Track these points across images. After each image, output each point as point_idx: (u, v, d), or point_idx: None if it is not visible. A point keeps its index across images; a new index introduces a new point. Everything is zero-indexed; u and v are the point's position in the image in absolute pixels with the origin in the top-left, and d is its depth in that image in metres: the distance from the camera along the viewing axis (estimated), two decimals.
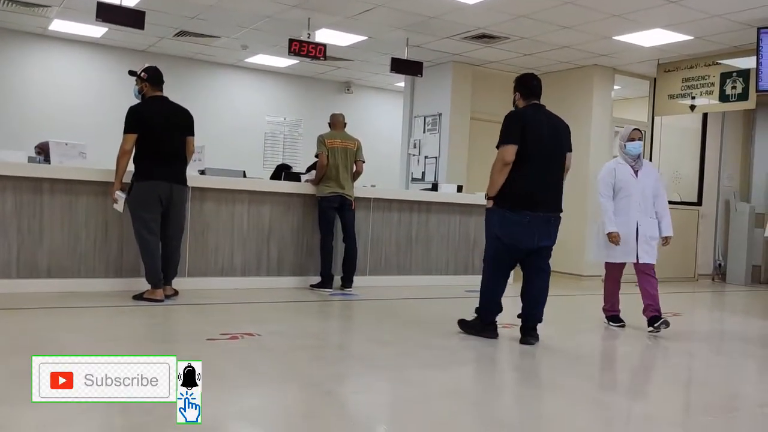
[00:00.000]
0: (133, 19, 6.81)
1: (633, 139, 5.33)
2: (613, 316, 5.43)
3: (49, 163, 5.49)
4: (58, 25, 8.86)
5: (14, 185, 5.27)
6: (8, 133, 8.79)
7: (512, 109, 4.59)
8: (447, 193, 7.60)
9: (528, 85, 4.58)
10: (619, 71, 9.32)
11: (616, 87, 9.43)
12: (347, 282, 6.45)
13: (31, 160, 5.76)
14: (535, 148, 4.32)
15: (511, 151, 4.27)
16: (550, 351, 4.45)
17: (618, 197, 5.26)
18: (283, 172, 7.40)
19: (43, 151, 5.79)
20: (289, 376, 3.47)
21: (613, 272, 5.40)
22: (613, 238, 5.14)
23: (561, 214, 4.51)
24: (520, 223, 4.31)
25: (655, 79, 9.12)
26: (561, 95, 9.70)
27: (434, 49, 8.82)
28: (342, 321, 5.46)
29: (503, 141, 4.33)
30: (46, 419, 2.59)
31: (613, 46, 8.10)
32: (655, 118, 9.44)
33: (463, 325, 4.67)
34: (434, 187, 8.21)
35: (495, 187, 4.36)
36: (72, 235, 5.50)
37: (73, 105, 9.65)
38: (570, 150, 4.58)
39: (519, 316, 4.55)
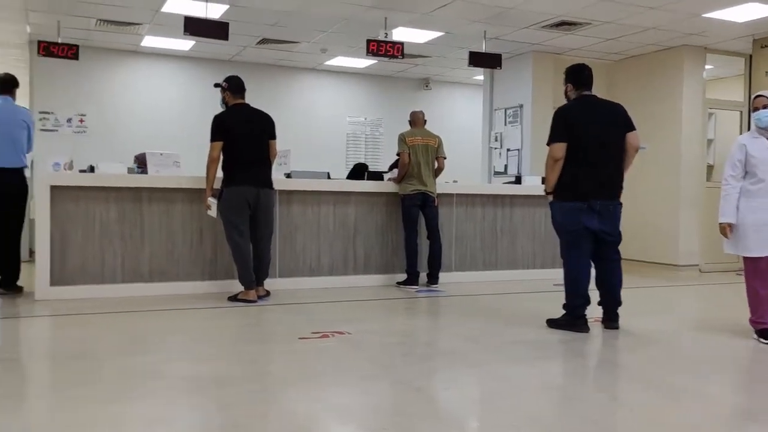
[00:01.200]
0: (218, 30, 7.07)
1: (757, 108, 4.38)
2: (764, 330, 4.33)
3: (147, 174, 5.80)
4: (150, 41, 9.31)
5: (117, 195, 5.59)
6: (109, 147, 9.32)
7: (565, 100, 4.70)
8: (531, 185, 7.48)
9: (579, 75, 4.63)
10: (711, 50, 8.86)
11: (708, 67, 8.97)
12: (433, 278, 6.47)
13: (130, 171, 6.10)
14: (585, 141, 4.41)
15: (558, 148, 4.43)
16: (645, 344, 4.31)
17: (753, 176, 4.32)
18: (364, 171, 7.50)
19: (140, 162, 6.12)
20: (380, 374, 3.53)
21: (756, 269, 4.34)
22: (723, 230, 4.40)
23: (620, 202, 4.55)
24: (579, 209, 4.41)
25: (750, 56, 8.63)
26: (648, 79, 9.34)
27: (513, 40, 8.69)
28: (429, 318, 5.48)
29: (551, 139, 4.49)
30: (151, 415, 2.76)
31: (703, 24, 7.71)
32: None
33: (552, 323, 4.62)
34: (518, 180, 8.10)
35: (550, 183, 4.54)
36: (169, 240, 5.78)
37: (166, 116, 10.12)
38: (631, 129, 4.54)
39: (599, 303, 4.63)
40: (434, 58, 10.12)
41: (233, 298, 5.44)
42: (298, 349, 3.96)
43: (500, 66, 8.52)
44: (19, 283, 5.65)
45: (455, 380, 3.49)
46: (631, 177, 4.68)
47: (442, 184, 6.82)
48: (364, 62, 10.40)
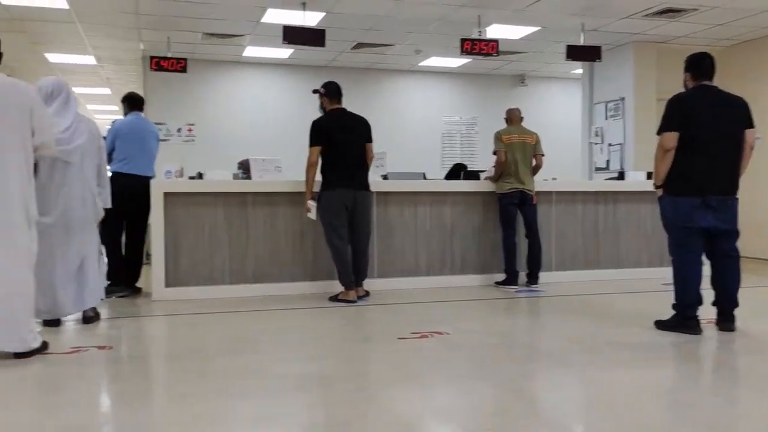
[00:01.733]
0: (315, 38, 7.28)
1: None
2: None
3: (251, 179, 6.04)
4: (251, 51, 9.70)
5: (224, 201, 5.86)
6: (215, 154, 9.78)
7: (682, 89, 4.43)
8: (635, 180, 7.20)
9: (699, 64, 4.37)
10: None
11: None
12: (533, 278, 6.35)
13: (235, 176, 6.38)
14: (702, 132, 4.16)
15: (669, 138, 4.19)
16: (764, 348, 4.05)
17: None
18: (460, 171, 7.46)
19: (244, 168, 6.38)
20: (480, 374, 3.51)
21: None
22: None
23: (736, 197, 4.27)
24: (692, 205, 4.17)
25: None
26: (763, 65, 8.77)
27: (612, 30, 8.40)
28: (529, 318, 5.39)
29: (663, 128, 4.25)
30: (257, 412, 2.87)
31: None
32: None
33: (661, 324, 4.42)
34: (620, 176, 7.81)
35: (659, 175, 4.31)
36: (273, 243, 5.99)
37: (267, 123, 10.50)
38: (750, 126, 4.28)
39: (713, 303, 4.36)
40: (530, 53, 9.94)
41: (334, 299, 5.57)
42: (398, 349, 4.01)
43: (599, 58, 8.27)
44: (138, 284, 6.03)
45: (558, 382, 3.42)
46: (748, 168, 4.40)
47: (541, 182, 6.68)
48: (458, 61, 10.36)
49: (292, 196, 5.93)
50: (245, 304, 5.48)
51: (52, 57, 9.82)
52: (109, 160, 5.69)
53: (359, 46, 9.35)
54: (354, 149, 5.55)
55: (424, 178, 6.91)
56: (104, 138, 5.27)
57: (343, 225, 5.50)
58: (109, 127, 6.11)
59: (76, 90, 12.03)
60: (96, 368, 3.70)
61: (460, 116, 11.54)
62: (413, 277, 6.36)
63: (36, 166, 4.30)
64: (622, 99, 9.22)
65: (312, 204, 5.57)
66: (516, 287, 6.26)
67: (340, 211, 5.47)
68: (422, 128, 11.24)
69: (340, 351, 4.07)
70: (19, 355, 3.64)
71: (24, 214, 3.66)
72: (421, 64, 10.66)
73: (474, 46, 7.66)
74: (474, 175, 7.07)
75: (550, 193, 6.77)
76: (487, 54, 7.75)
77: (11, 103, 3.63)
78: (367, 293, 5.70)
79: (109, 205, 4.83)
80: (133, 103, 6.20)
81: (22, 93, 3.72)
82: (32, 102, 3.75)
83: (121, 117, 6.28)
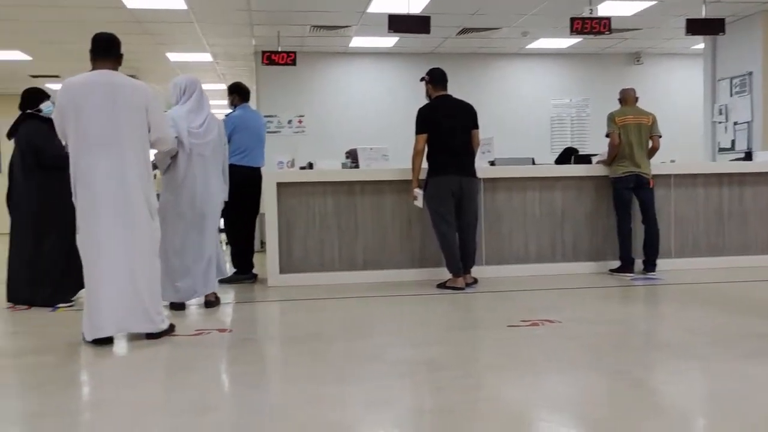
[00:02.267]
0: (420, 25, 7.26)
1: None
2: None
3: (358, 168, 6.14)
4: (357, 42, 9.83)
5: (333, 190, 6.01)
6: (324, 144, 10.01)
7: None
8: (765, 161, 6.70)
9: None
10: None
11: None
12: (649, 265, 6.07)
13: (343, 166, 6.51)
14: None
15: None
16: None
17: None
18: (571, 155, 7.24)
19: (352, 157, 6.50)
20: (594, 364, 3.41)
21: None
22: None
23: None
24: None
25: None
26: None
27: (737, 1, 7.82)
28: (646, 307, 5.16)
29: None
30: (371, 396, 2.94)
31: None
32: None
33: None
34: (748, 156, 7.30)
35: None
36: (381, 231, 6.08)
37: (374, 112, 10.62)
38: None
39: None
40: (645, 30, 9.45)
41: (442, 285, 5.58)
42: (508, 337, 3.96)
43: (723, 31, 7.73)
44: (255, 271, 6.30)
45: (679, 374, 3.25)
46: None
47: (658, 165, 6.37)
48: (567, 41, 10.02)
49: (399, 184, 5.98)
50: (355, 291, 5.60)
51: (173, 56, 10.39)
52: None
53: (465, 31, 9.25)
54: (460, 136, 5.51)
55: (533, 163, 6.76)
56: None
57: (449, 212, 5.49)
58: (224, 120, 6.29)
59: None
60: (217, 350, 3.91)
61: (570, 98, 11.17)
62: (522, 264, 6.25)
63: (174, 158, 4.66)
64: (750, 74, 8.59)
65: (418, 192, 5.59)
66: (632, 275, 6.02)
67: (447, 198, 5.46)
68: (530, 112, 10.98)
69: (448, 337, 4.08)
70: (150, 336, 3.92)
71: (146, 204, 3.91)
72: (529, 46, 10.40)
73: (584, 25, 7.38)
74: (586, 159, 6.84)
75: (668, 176, 6.44)
76: (599, 33, 7.44)
77: (129, 101, 3.85)
78: (476, 280, 5.66)
79: (226, 198, 5.11)
80: (242, 94, 6.31)
81: (139, 91, 3.94)
82: (148, 100, 3.96)
83: (230, 111, 6.35)
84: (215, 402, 2.94)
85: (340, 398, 2.91)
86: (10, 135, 5.20)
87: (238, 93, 6.30)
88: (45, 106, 5.07)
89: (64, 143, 4.00)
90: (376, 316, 4.74)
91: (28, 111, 5.14)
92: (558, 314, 4.45)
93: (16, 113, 5.21)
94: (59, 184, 4.45)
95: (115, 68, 3.96)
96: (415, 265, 6.10)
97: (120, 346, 3.87)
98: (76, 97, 3.80)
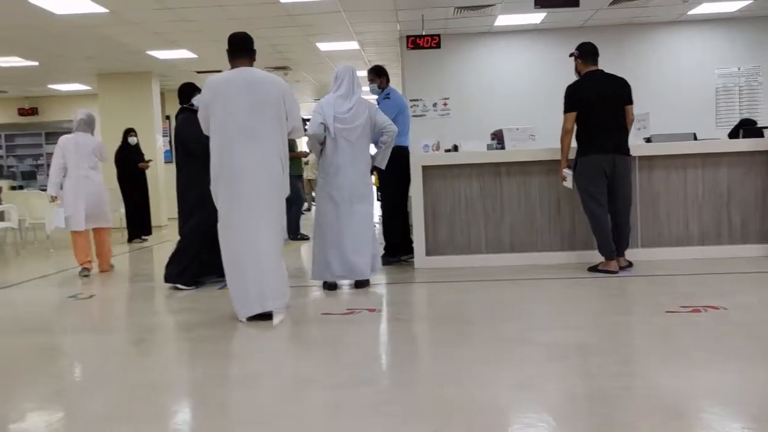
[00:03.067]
0: None
1: None
2: None
3: (504, 149, 6.06)
4: (502, 20, 9.64)
5: (478, 171, 5.98)
6: (469, 125, 9.95)
7: None
8: None
9: None
10: None
11: None
12: None
13: (489, 147, 6.45)
14: None
15: None
16: None
17: None
18: (740, 128, 6.66)
19: (497, 138, 6.42)
20: (763, 355, 3.15)
21: None
22: None
23: None
24: None
25: None
26: None
27: None
28: None
29: None
30: (518, 378, 2.91)
31: None
32: None
33: None
34: None
35: None
36: (528, 212, 5.97)
37: (519, 91, 10.38)
38: None
39: None
40: None
41: (593, 269, 5.39)
42: (665, 323, 3.76)
43: None
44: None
45: None
46: None
47: None
48: (736, 4, 9.18)
49: (547, 165, 5.84)
50: (502, 273, 5.56)
51: (322, 46, 10.78)
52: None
53: (617, 1, 8.77)
54: (611, 112, 5.26)
55: (695, 138, 6.29)
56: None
57: (601, 192, 5.28)
58: (384, 102, 6.11)
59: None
60: (368, 328, 4.06)
61: (739, 67, 10.23)
62: (682, 246, 5.87)
63: (323, 144, 4.93)
64: None
65: (567, 172, 5.42)
66: None
67: (598, 177, 5.25)
68: (691, 84, 10.20)
69: (600, 322, 3.94)
70: (277, 312, 4.13)
71: (280, 190, 4.19)
72: (690, 12, 9.64)
73: None
74: (758, 133, 6.26)
75: None
76: None
77: (268, 94, 4.13)
78: (630, 264, 5.41)
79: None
80: (387, 77, 6.34)
81: (275, 84, 4.21)
82: (284, 91, 4.22)
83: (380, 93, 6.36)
84: (369, 376, 3.07)
85: (489, 378, 2.93)
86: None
87: (385, 75, 6.36)
88: (196, 100, 5.51)
89: (208, 136, 4.31)
90: (524, 299, 4.68)
91: (183, 105, 5.61)
92: (723, 300, 4.14)
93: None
94: (204, 172, 4.81)
95: (251, 64, 4.29)
96: (564, 248, 5.94)
97: (271, 324, 4.13)
98: (219, 93, 4.12)
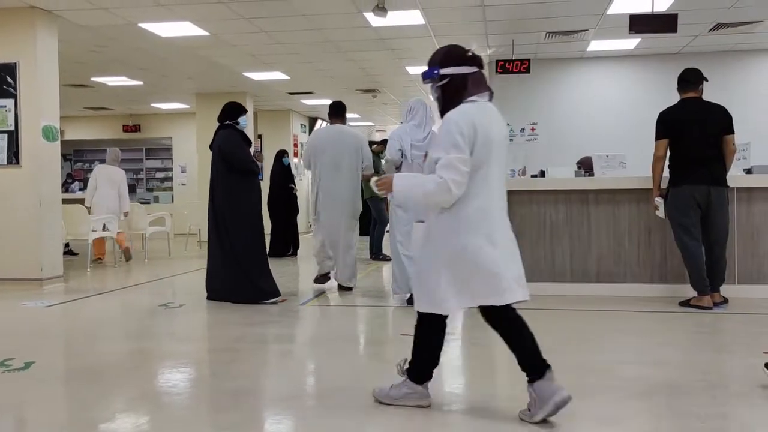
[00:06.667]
0: (666, 24, 6.78)
1: None
2: None
3: (593, 176, 5.92)
4: (595, 45, 9.47)
5: (565, 198, 5.86)
6: (557, 151, 9.79)
7: None
8: None
9: None
10: None
11: None
12: None
13: (576, 174, 6.32)
14: None
15: None
16: None
17: None
18: None
19: (584, 166, 6.28)
20: None
21: None
22: None
23: None
24: None
25: None
26: None
27: None
28: None
29: None
30: (602, 413, 2.81)
31: None
32: None
33: None
34: None
35: None
36: (616, 241, 5.79)
37: (610, 117, 10.12)
38: None
39: None
40: None
41: (685, 303, 5.16)
42: (763, 365, 3.54)
43: None
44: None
45: None
46: None
47: None
48: None
49: (637, 193, 5.66)
50: (588, 303, 5.41)
51: (411, 69, 10.91)
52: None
53: (718, 27, 8.43)
54: (707, 141, 5.06)
55: None
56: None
57: (694, 224, 5.06)
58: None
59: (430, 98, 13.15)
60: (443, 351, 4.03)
61: None
62: None
63: (398, 168, 5.07)
64: None
65: (659, 201, 5.24)
66: None
67: (690, 208, 5.04)
68: None
69: (691, 360, 3.76)
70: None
71: (353, 207, 6.19)
72: None
73: None
74: None
75: None
76: None
77: (350, 143, 6.19)
78: (725, 300, 5.14)
79: None
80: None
81: (355, 137, 6.29)
82: (361, 142, 6.27)
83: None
84: (438, 400, 3.04)
85: (568, 411, 2.84)
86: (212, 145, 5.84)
87: None
88: (242, 119, 5.70)
89: (307, 170, 6.30)
90: (610, 331, 4.53)
91: (227, 122, 5.73)
92: None
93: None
94: (246, 186, 5.48)
95: (343, 122, 6.38)
96: (654, 280, 5.72)
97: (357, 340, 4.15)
98: (321, 141, 6.29)
